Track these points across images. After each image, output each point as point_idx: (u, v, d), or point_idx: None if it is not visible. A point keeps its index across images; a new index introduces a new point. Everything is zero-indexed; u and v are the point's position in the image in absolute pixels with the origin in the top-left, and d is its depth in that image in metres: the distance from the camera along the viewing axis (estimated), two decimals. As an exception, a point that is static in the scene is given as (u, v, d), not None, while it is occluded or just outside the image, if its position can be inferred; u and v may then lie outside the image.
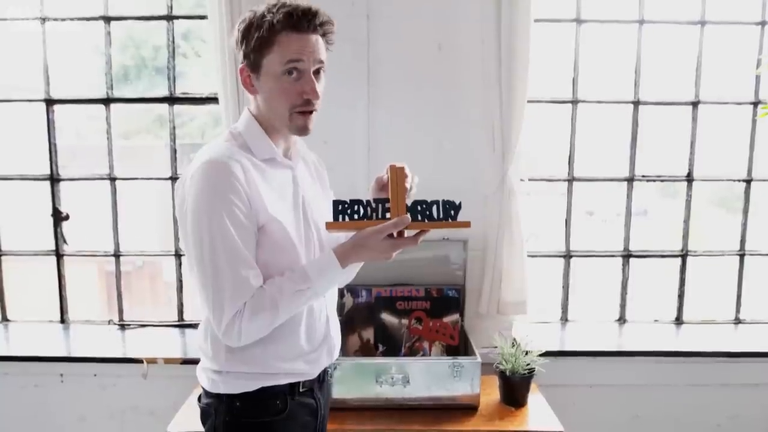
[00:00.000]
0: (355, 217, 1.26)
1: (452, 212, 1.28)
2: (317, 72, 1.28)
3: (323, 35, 1.28)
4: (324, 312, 1.41)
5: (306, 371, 1.37)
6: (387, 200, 1.27)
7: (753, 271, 2.57)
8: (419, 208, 1.26)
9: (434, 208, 1.27)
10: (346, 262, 1.27)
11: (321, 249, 1.38)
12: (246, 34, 1.25)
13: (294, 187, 1.36)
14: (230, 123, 2.13)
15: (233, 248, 1.21)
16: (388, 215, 1.26)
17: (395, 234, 1.25)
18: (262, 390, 1.31)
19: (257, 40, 1.23)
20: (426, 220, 1.27)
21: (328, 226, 1.26)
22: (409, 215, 1.25)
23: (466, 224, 1.27)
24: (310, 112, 1.28)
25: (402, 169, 1.29)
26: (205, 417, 1.37)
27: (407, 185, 1.29)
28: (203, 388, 1.38)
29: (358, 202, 1.26)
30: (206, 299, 1.23)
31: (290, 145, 1.39)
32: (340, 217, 1.26)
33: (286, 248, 1.29)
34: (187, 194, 1.24)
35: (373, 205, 1.27)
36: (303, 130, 1.29)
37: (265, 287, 1.24)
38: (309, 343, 1.37)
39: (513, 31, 2.12)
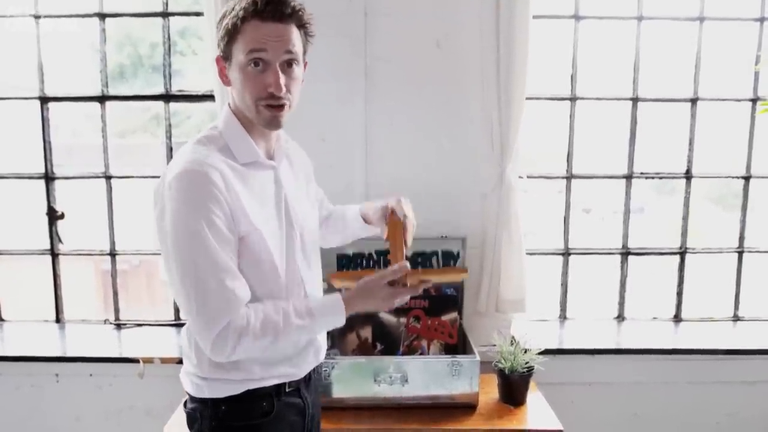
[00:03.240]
0: (358, 269, 1.31)
1: (450, 261, 1.37)
2: (289, 65, 1.23)
3: (300, 26, 1.24)
4: None
5: (292, 373, 1.35)
6: (387, 252, 1.31)
7: (751, 268, 2.57)
8: (419, 259, 1.33)
9: (433, 258, 1.36)
10: (350, 308, 1.27)
11: (303, 250, 1.35)
12: (219, 23, 1.23)
13: (276, 188, 1.32)
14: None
15: (216, 261, 1.16)
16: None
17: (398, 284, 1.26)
18: (248, 393, 1.29)
19: (224, 28, 1.21)
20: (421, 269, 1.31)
21: (332, 277, 1.32)
22: (407, 263, 1.25)
23: (464, 271, 1.35)
24: (279, 107, 1.22)
25: (400, 222, 1.32)
26: (191, 422, 1.35)
27: (407, 238, 1.32)
28: (188, 393, 1.35)
29: (360, 255, 1.34)
30: (191, 315, 1.19)
31: (272, 143, 1.34)
32: (343, 269, 1.34)
33: (265, 258, 1.26)
34: (165, 204, 1.19)
35: (375, 257, 1.35)
36: (271, 124, 1.24)
37: (271, 314, 1.21)
38: (293, 347, 1.35)
39: (512, 27, 2.11)
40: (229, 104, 1.30)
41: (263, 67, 1.20)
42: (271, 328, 1.20)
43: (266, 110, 1.22)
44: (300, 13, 1.22)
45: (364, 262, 1.35)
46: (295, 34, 1.23)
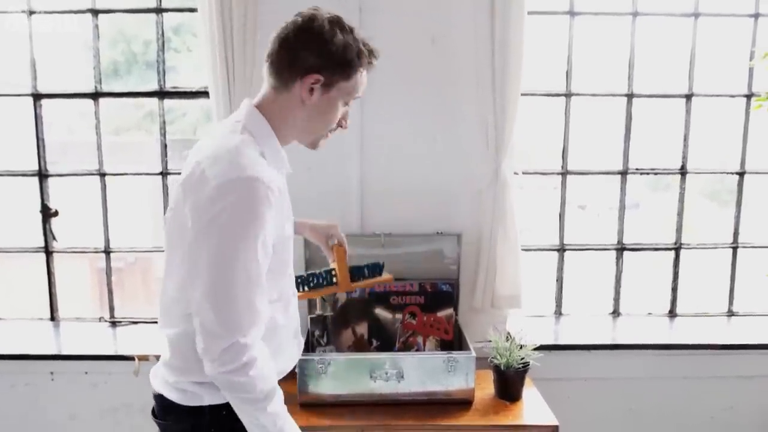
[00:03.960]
0: (312, 285, 1.72)
1: (378, 270, 1.80)
2: None
3: None
4: (298, 314, 1.43)
5: (286, 369, 1.39)
6: (332, 270, 1.72)
7: (746, 263, 2.58)
8: (355, 273, 1.76)
9: (365, 270, 1.78)
10: None
11: None
12: (334, 47, 1.20)
13: (285, 190, 1.33)
14: (221, 117, 2.10)
15: (255, 276, 1.15)
16: (334, 280, 1.72)
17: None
18: None
19: (347, 61, 1.22)
20: (361, 279, 1.77)
21: (300, 296, 1.59)
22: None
23: (390, 279, 1.83)
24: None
25: (343, 249, 1.67)
26: None
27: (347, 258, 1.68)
28: (171, 404, 1.28)
29: (312, 274, 1.72)
30: (208, 320, 1.14)
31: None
32: (302, 287, 1.70)
33: (286, 259, 1.31)
34: (209, 202, 1.12)
35: (324, 275, 1.72)
36: (316, 146, 1.34)
37: (277, 388, 1.21)
38: (289, 340, 1.39)
39: (506, 23, 2.11)
40: (256, 106, 1.26)
41: (347, 108, 1.31)
42: (269, 390, 1.18)
43: (326, 137, 1.32)
44: None
45: (316, 279, 1.72)
46: None
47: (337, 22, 1.21)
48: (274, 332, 1.29)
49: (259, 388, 1.16)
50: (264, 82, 1.27)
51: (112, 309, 2.52)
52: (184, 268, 1.20)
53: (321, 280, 1.72)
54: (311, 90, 1.22)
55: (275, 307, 1.28)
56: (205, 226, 1.13)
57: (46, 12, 2.34)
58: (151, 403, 1.35)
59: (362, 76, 1.27)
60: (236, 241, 1.12)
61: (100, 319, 2.53)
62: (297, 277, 1.62)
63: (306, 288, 1.71)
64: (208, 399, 1.26)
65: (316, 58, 1.20)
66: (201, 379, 1.24)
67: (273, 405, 1.19)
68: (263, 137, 1.24)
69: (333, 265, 1.71)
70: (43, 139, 2.42)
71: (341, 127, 1.32)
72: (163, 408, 1.31)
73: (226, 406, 1.24)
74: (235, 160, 1.14)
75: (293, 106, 1.24)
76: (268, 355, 1.21)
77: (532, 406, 1.97)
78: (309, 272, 1.71)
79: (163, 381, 1.31)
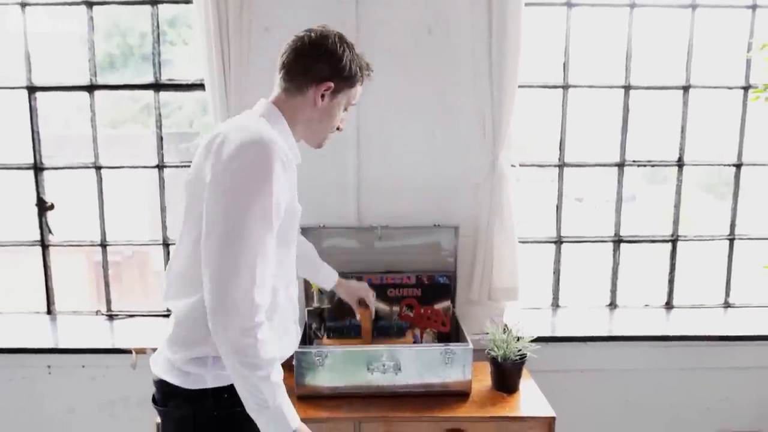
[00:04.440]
0: (340, 335, 2.09)
1: (401, 331, 2.07)
2: None
3: None
4: (297, 301, 1.45)
5: (284, 355, 1.40)
6: (359, 324, 2.02)
7: (742, 255, 2.58)
8: (381, 331, 2.07)
9: (390, 330, 2.11)
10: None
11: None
12: (344, 61, 1.37)
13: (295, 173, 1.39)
14: (217, 109, 2.10)
15: (268, 229, 1.20)
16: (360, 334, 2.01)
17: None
18: None
19: (352, 74, 1.39)
20: (383, 337, 2.06)
21: (325, 342, 2.04)
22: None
23: (409, 341, 2.07)
24: None
25: (369, 311, 1.95)
26: (182, 422, 1.30)
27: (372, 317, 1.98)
28: (172, 389, 1.29)
29: (343, 326, 2.09)
30: (219, 270, 1.16)
31: None
32: (330, 333, 2.09)
33: (291, 238, 1.34)
34: (231, 158, 1.19)
35: (352, 327, 2.06)
36: (321, 146, 1.48)
37: (280, 374, 1.22)
38: (290, 324, 1.41)
39: (504, 14, 2.10)
40: (274, 103, 1.38)
41: (347, 113, 1.48)
42: (270, 359, 1.19)
43: (329, 138, 1.46)
44: None
45: (344, 331, 2.06)
46: None
47: (344, 41, 1.40)
48: (275, 312, 1.31)
49: (263, 354, 1.17)
50: (275, 86, 1.40)
51: (109, 302, 2.52)
52: (197, 230, 1.24)
53: (347, 332, 2.10)
54: (324, 94, 1.38)
55: (278, 282, 1.30)
56: (222, 180, 1.20)
57: (40, 4, 2.33)
58: (149, 396, 1.35)
59: (361, 86, 1.45)
60: (251, 195, 1.19)
61: (97, 312, 2.52)
62: (328, 327, 2.08)
63: (333, 334, 2.08)
64: (210, 381, 1.27)
65: (329, 70, 1.37)
66: (204, 353, 1.26)
67: (275, 375, 1.20)
68: (279, 126, 1.36)
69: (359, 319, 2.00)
70: (38, 132, 2.41)
71: (338, 129, 1.47)
72: (165, 394, 1.32)
73: (228, 389, 1.25)
74: (255, 129, 1.25)
75: (305, 107, 1.38)
76: (269, 329, 1.22)
77: (529, 398, 1.98)
78: (339, 323, 2.09)
79: (165, 364, 1.31)
